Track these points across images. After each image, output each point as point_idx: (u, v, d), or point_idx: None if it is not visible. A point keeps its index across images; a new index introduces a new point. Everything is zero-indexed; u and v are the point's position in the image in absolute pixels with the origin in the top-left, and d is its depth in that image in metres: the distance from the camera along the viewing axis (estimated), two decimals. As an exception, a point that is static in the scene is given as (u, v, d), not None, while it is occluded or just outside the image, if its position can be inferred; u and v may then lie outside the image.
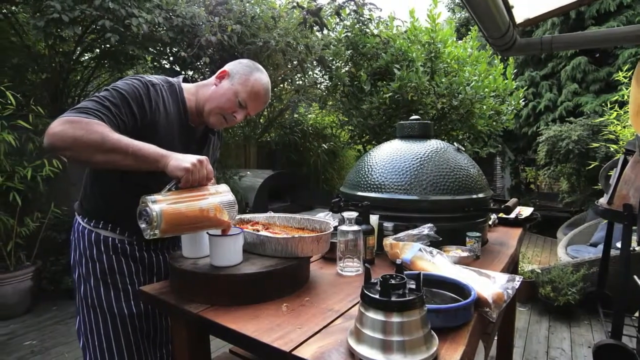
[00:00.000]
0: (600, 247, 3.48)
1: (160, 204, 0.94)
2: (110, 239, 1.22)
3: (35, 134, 3.14)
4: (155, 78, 1.20)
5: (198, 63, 3.96)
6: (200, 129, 1.31)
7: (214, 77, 1.26)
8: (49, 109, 3.54)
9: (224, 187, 1.08)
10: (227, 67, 1.26)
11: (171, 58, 4.16)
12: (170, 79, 1.26)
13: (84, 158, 0.98)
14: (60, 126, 0.96)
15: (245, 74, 1.23)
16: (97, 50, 3.99)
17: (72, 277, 1.28)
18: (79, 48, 3.80)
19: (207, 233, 1.04)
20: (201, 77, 4.18)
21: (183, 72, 4.14)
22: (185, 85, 1.28)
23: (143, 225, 0.96)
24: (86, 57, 4.18)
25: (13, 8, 3.59)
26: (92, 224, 1.23)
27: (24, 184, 3.03)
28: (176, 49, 3.86)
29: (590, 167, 4.76)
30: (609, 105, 4.60)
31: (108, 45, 3.62)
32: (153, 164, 1.00)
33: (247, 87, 1.22)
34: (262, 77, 1.25)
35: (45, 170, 3.09)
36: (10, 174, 2.96)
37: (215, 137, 1.43)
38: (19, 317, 3.13)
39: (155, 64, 4.23)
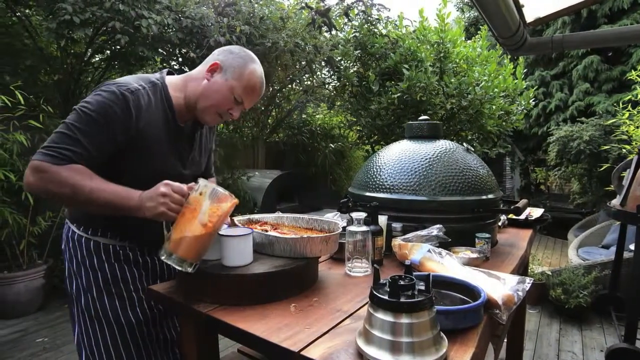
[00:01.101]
0: (613, 249, 3.42)
1: (175, 252, 0.97)
2: (110, 246, 1.17)
3: (47, 134, 3.19)
4: (135, 82, 1.10)
5: (207, 64, 3.99)
6: (188, 124, 1.23)
7: (204, 69, 1.17)
8: (60, 109, 3.59)
9: (201, 184, 1.01)
10: (218, 58, 1.16)
11: (180, 59, 4.19)
12: (153, 77, 1.17)
13: (62, 204, 0.99)
14: (32, 177, 0.97)
15: (239, 66, 1.14)
16: (108, 52, 4.04)
17: (68, 289, 1.21)
18: (89, 50, 3.85)
19: (218, 234, 1.05)
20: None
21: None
22: (170, 80, 1.19)
23: (179, 269, 0.98)
24: (97, 59, 4.24)
25: (27, 11, 3.65)
26: (88, 232, 1.17)
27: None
28: (185, 50, 3.88)
29: (603, 168, 4.69)
30: (621, 105, 4.53)
31: (118, 47, 3.67)
32: (128, 213, 1.00)
33: (242, 81, 1.14)
34: (256, 68, 1.18)
35: None
36: (23, 174, 3.01)
37: (206, 129, 1.36)
38: (31, 315, 3.18)
39: (164, 64, 4.27)
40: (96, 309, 1.15)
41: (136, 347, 1.17)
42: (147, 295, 1.20)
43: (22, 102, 2.90)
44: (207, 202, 0.99)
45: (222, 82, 1.14)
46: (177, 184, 0.99)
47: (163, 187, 0.97)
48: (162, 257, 0.97)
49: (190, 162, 1.27)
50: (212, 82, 1.15)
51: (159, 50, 3.81)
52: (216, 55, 1.18)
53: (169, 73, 1.23)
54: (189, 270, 0.97)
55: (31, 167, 0.97)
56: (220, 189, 1.01)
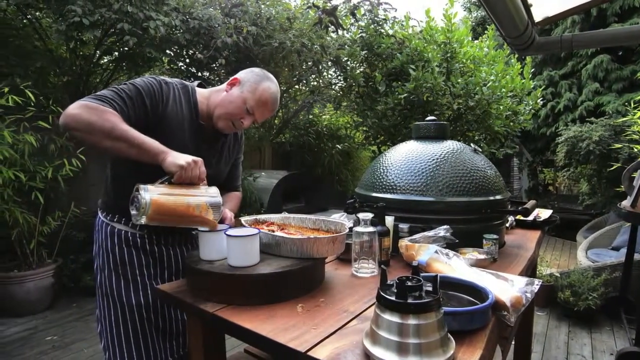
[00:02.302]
0: (623, 251, 3.38)
1: (152, 193, 1.02)
2: (123, 231, 1.28)
3: (56, 134, 3.23)
4: (171, 79, 1.29)
5: (214, 64, 4.01)
6: (211, 130, 1.35)
7: (225, 83, 1.32)
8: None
9: (214, 190, 1.15)
10: (239, 75, 1.32)
11: (187, 60, 4.22)
12: (186, 82, 1.34)
13: (92, 141, 1.06)
14: (77, 109, 1.05)
15: (255, 82, 1.28)
16: (116, 53, 4.08)
17: (93, 270, 1.37)
18: (98, 51, 3.88)
19: (225, 234, 1.05)
20: (217, 78, 4.23)
21: (199, 74, 4.19)
22: (199, 90, 1.35)
23: (133, 212, 1.04)
24: (105, 60, 4.28)
25: (37, 14, 3.70)
26: (108, 218, 1.30)
27: (46, 184, 3.12)
28: (192, 51, 3.91)
29: (613, 168, 4.63)
30: (632, 104, 4.46)
31: (126, 48, 3.70)
32: (152, 157, 1.08)
33: (255, 95, 1.27)
34: (271, 86, 1.30)
35: (65, 170, 3.17)
36: (33, 174, 3.05)
37: (230, 139, 1.44)
38: (40, 313, 3.22)
39: (171, 65, 4.29)
40: (106, 286, 1.28)
41: (134, 327, 1.26)
42: (155, 294, 1.24)
43: (34, 101, 2.93)
44: (205, 199, 1.10)
45: (238, 94, 1.28)
46: (205, 169, 1.13)
47: (198, 159, 1.12)
48: (141, 186, 1.03)
49: (207, 164, 1.31)
50: (230, 93, 1.29)
51: (167, 51, 3.83)
52: (239, 73, 1.33)
53: (200, 86, 1.38)
54: (137, 218, 1.03)
55: (80, 103, 1.07)
56: (221, 208, 1.13)
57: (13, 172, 2.82)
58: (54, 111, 3.14)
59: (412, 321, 0.71)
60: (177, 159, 1.07)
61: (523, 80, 4.56)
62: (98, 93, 1.12)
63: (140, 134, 1.08)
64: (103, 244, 1.29)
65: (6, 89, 2.80)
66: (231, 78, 1.31)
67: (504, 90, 4.20)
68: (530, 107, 4.66)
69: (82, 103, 1.06)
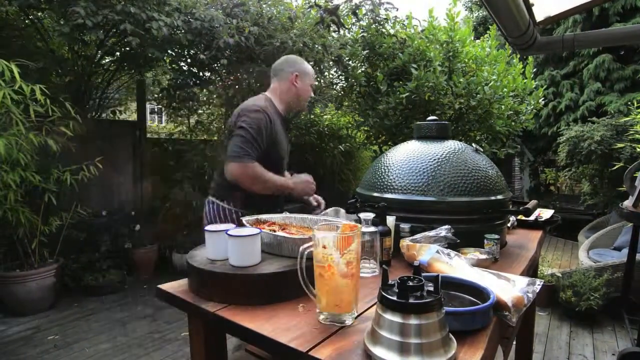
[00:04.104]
0: (624, 251, 3.37)
1: (325, 310, 0.90)
2: (227, 209, 1.78)
3: (59, 135, 3.24)
4: (262, 103, 1.74)
5: (215, 65, 4.01)
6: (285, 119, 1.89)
7: (287, 80, 1.83)
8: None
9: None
10: (292, 69, 1.83)
11: (189, 60, 4.22)
12: (262, 97, 1.82)
13: (251, 190, 1.67)
14: (246, 179, 1.64)
15: (304, 68, 1.86)
16: (118, 54, 4.08)
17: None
18: (100, 52, 3.89)
19: (227, 233, 1.05)
20: (218, 78, 4.23)
21: (201, 74, 4.19)
22: (266, 96, 1.84)
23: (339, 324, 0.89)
24: (107, 60, 4.28)
25: (39, 14, 3.71)
26: (222, 201, 1.80)
27: (58, 186, 3.17)
28: (194, 51, 3.91)
29: (614, 167, 4.62)
30: (635, 104, 4.45)
31: (128, 48, 3.70)
32: (285, 193, 1.82)
33: (312, 78, 1.89)
34: (308, 65, 1.89)
35: (82, 175, 3.25)
36: (47, 177, 3.09)
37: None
38: (42, 312, 3.23)
39: (173, 66, 4.30)
40: None
41: None
42: (156, 294, 1.22)
43: (42, 102, 2.94)
44: (334, 252, 0.85)
45: (306, 83, 1.87)
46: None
47: (307, 176, 1.90)
48: (320, 318, 0.90)
49: (287, 151, 1.92)
50: (301, 86, 1.86)
51: (169, 51, 3.84)
52: (289, 70, 1.84)
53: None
54: (349, 321, 0.88)
55: (243, 169, 1.63)
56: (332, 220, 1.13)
57: (23, 174, 2.85)
58: (62, 112, 3.15)
59: (413, 321, 0.71)
60: (307, 190, 1.90)
61: (525, 80, 4.55)
62: (243, 145, 1.60)
63: (278, 178, 1.72)
64: (215, 219, 1.77)
65: (41, 97, 2.82)
66: (289, 75, 1.81)
67: (505, 90, 4.19)
68: (532, 106, 4.65)
69: (248, 172, 1.61)
